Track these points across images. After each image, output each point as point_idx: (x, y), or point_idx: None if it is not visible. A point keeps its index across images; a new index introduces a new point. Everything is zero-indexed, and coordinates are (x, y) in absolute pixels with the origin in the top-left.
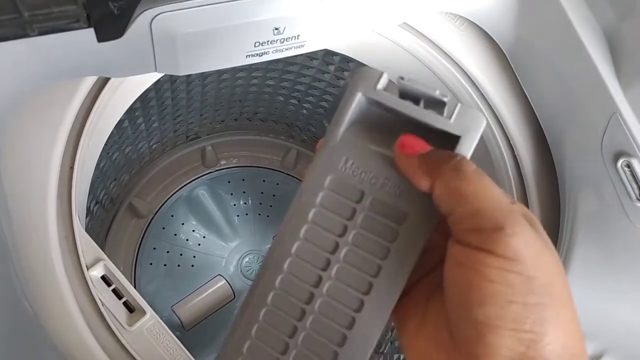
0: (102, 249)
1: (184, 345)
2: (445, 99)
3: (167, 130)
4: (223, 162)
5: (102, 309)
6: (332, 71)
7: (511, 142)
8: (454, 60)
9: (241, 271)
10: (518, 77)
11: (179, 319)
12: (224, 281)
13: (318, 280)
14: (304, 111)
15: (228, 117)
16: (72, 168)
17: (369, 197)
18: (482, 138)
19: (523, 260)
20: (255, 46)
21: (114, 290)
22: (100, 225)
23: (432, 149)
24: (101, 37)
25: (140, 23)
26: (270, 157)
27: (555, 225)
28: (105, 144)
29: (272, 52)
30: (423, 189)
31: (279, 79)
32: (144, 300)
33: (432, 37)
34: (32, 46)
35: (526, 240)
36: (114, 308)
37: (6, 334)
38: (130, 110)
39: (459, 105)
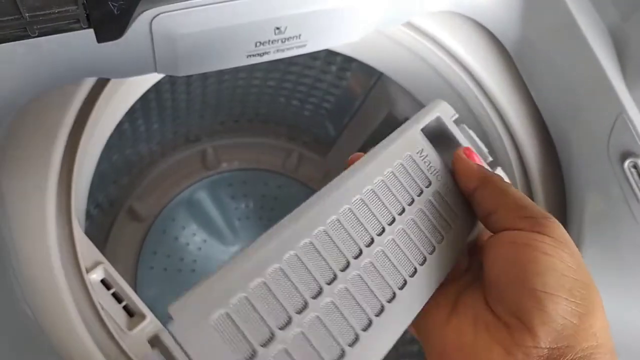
0: (102, 253)
1: None
2: (489, 158)
3: (168, 132)
4: (224, 164)
5: (102, 313)
6: (335, 71)
7: (517, 143)
8: (458, 60)
9: None
10: (523, 77)
11: None
12: None
13: (358, 253)
14: (306, 112)
15: (229, 118)
16: (71, 171)
17: (434, 187)
18: (487, 138)
19: (570, 244)
20: (256, 46)
21: (113, 294)
22: (100, 229)
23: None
24: (101, 38)
25: (140, 23)
26: (271, 159)
27: None
28: (105, 146)
29: (274, 52)
30: (467, 189)
31: (280, 79)
32: (144, 304)
33: (436, 36)
34: (31, 48)
35: (566, 232)
36: (114, 312)
37: (6, 338)
38: (130, 111)
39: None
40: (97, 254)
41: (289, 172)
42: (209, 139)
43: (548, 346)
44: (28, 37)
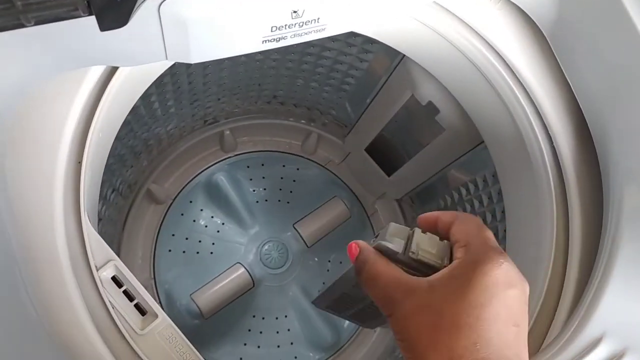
0: (120, 236)
1: (203, 334)
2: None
3: (185, 115)
4: (242, 146)
5: (112, 312)
6: (355, 53)
7: (550, 132)
8: (488, 43)
9: (260, 259)
10: (559, 61)
11: (198, 308)
12: (243, 269)
13: None
14: (325, 94)
15: (246, 100)
16: (80, 163)
17: None
18: (517, 127)
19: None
20: (272, 31)
21: (125, 292)
22: (118, 212)
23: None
24: (104, 26)
25: (147, 9)
26: (290, 141)
27: (597, 222)
28: (121, 130)
29: (291, 37)
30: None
31: (298, 61)
32: (155, 303)
33: (464, 17)
34: (33, 36)
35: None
36: (125, 311)
37: (9, 340)
38: (145, 95)
39: None
40: (107, 251)
41: (307, 154)
42: (227, 121)
43: None
44: (23, 26)
